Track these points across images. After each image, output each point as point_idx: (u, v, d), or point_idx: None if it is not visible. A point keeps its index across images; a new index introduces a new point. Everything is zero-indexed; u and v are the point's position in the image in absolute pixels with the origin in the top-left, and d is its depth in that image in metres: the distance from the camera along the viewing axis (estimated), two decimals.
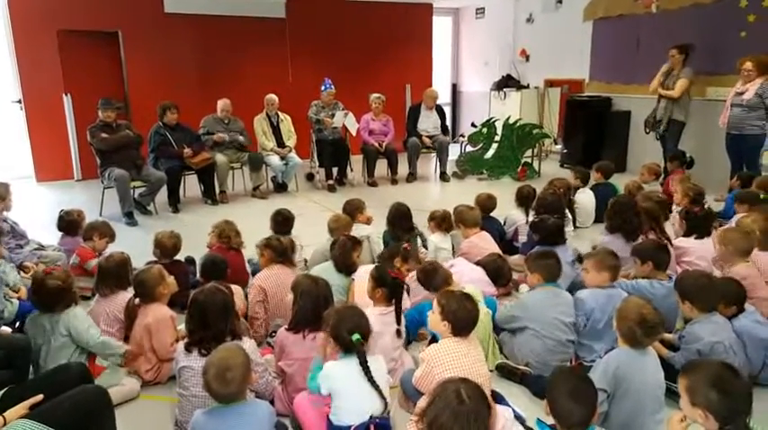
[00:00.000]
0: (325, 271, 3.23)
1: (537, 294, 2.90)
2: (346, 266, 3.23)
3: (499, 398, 2.39)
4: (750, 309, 2.72)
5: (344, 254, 3.25)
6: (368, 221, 4.29)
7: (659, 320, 2.20)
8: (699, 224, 3.62)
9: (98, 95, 6.02)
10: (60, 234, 4.25)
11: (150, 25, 7.96)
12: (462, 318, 2.26)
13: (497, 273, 3.43)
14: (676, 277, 2.77)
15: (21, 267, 3.56)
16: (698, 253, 3.44)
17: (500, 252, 3.83)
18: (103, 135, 5.68)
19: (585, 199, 5.18)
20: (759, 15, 6.07)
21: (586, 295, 2.85)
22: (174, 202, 6.20)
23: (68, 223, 4.18)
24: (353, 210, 4.17)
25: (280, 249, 3.32)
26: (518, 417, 2.33)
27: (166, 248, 3.50)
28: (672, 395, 2.15)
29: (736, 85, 5.63)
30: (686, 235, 3.68)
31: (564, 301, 2.85)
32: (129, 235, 5.05)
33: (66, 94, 7.51)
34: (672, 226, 3.91)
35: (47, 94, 7.42)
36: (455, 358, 2.21)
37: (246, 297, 3.33)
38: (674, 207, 4.41)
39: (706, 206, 4.03)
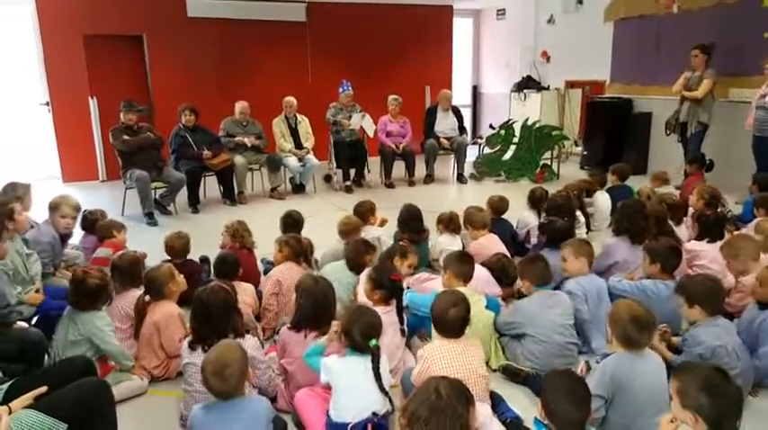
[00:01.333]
0: (336, 269, 3.33)
1: (530, 299, 2.91)
2: (358, 266, 3.28)
3: (498, 400, 2.41)
4: None
5: (358, 254, 3.32)
6: (381, 224, 4.31)
7: (651, 318, 2.21)
8: (711, 227, 3.56)
9: (123, 98, 6.19)
10: (82, 233, 4.39)
11: (174, 29, 8.15)
12: (444, 323, 2.31)
13: (502, 272, 3.43)
14: (679, 281, 2.74)
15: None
16: (710, 256, 3.38)
17: (507, 253, 3.81)
18: (125, 137, 5.85)
19: (602, 201, 5.12)
20: None
21: (573, 285, 2.95)
22: (194, 203, 6.33)
23: (92, 223, 4.31)
24: (365, 212, 4.21)
25: (297, 249, 3.44)
26: (516, 418, 2.33)
27: (174, 250, 3.59)
28: None
29: (762, 87, 5.49)
30: (698, 238, 3.62)
31: (560, 302, 2.86)
32: (149, 235, 5.17)
33: (91, 97, 7.75)
34: (686, 229, 3.84)
35: (73, 97, 7.66)
36: (450, 357, 2.24)
37: (259, 294, 3.40)
38: (690, 210, 4.33)
39: (719, 209, 3.95)
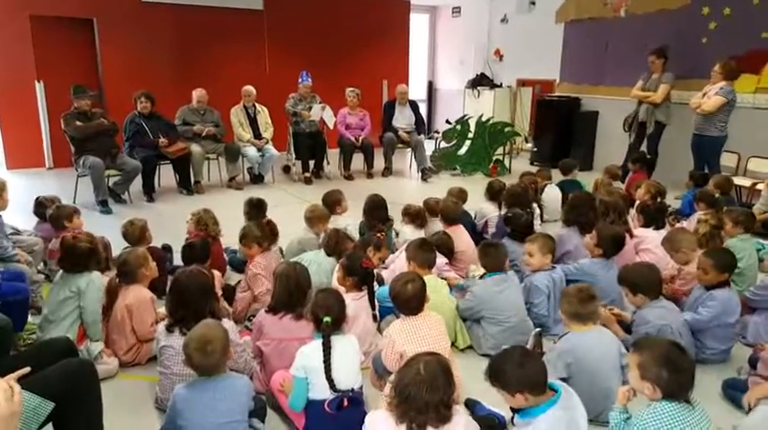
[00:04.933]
0: (317, 255, 3.45)
1: (485, 283, 3.10)
2: (338, 252, 3.35)
3: (472, 403, 2.52)
4: None
5: (338, 241, 3.41)
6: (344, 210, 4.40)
7: (591, 291, 2.45)
8: (654, 216, 3.94)
9: (72, 83, 5.97)
10: (36, 220, 4.25)
11: (126, 14, 7.88)
12: (402, 300, 2.45)
13: (443, 245, 3.60)
14: (620, 272, 2.97)
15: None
16: (655, 242, 3.69)
17: (472, 243, 3.99)
18: (78, 123, 5.65)
19: (552, 194, 5.40)
20: (719, 23, 6.38)
21: (541, 279, 3.16)
22: (149, 192, 6.21)
23: (45, 209, 4.16)
24: (332, 204, 4.27)
25: (256, 234, 3.41)
26: (490, 414, 2.42)
27: (129, 236, 3.52)
28: None
29: (705, 87, 5.88)
30: (644, 226, 3.96)
31: (512, 284, 3.08)
32: (103, 223, 5.04)
33: (38, 81, 7.39)
34: (631, 220, 4.15)
35: (18, 81, 7.29)
36: (412, 332, 2.40)
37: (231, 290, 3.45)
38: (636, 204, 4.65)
39: (658, 200, 4.30)
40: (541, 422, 1.84)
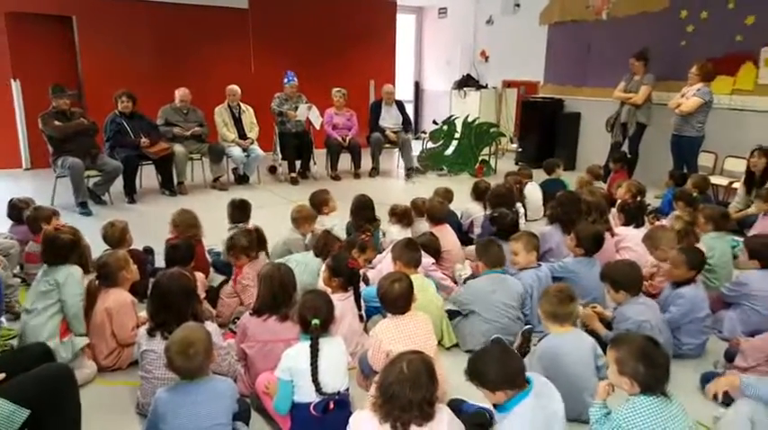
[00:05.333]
0: (305, 256, 3.44)
1: (482, 279, 3.12)
2: (325, 254, 3.31)
3: (458, 403, 2.51)
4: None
5: (327, 242, 3.38)
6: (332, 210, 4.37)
7: (570, 291, 2.47)
8: (634, 214, 4.02)
9: (49, 82, 5.87)
10: (10, 223, 4.16)
11: (107, 11, 7.75)
12: (390, 299, 2.45)
13: (430, 246, 3.61)
14: (603, 269, 3.01)
15: None
16: (635, 240, 3.76)
17: (458, 242, 4.00)
18: (56, 122, 5.55)
19: (533, 192, 5.46)
20: (696, 26, 6.49)
21: (525, 277, 3.17)
22: (131, 193, 6.12)
23: (20, 212, 4.08)
24: (319, 204, 4.24)
25: (243, 245, 3.28)
26: (480, 409, 2.41)
27: (113, 238, 3.46)
28: None
29: (683, 89, 5.97)
30: (625, 225, 4.03)
31: (509, 286, 3.08)
32: (82, 225, 4.89)
33: (14, 80, 7.25)
34: (612, 219, 4.21)
35: None
36: (399, 331, 2.39)
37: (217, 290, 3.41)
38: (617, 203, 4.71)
39: (638, 199, 4.38)
40: (516, 413, 1.88)
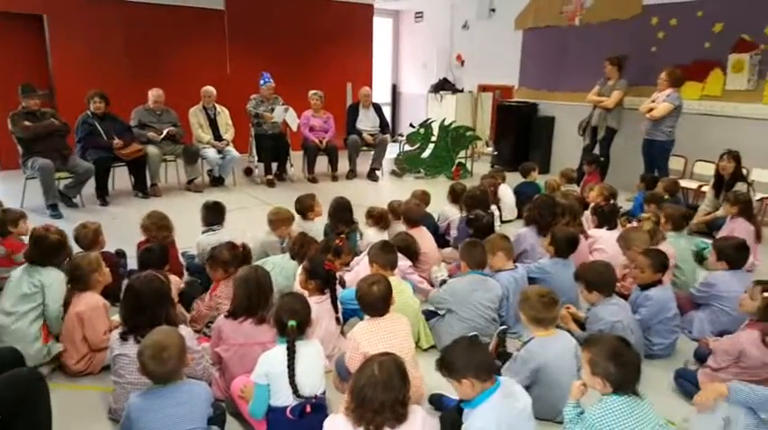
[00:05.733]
0: (282, 259, 3.42)
1: (463, 279, 3.15)
2: (302, 256, 3.29)
3: (437, 397, 2.55)
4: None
5: (304, 244, 3.36)
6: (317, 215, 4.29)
7: (555, 296, 2.50)
8: (607, 216, 4.10)
9: (19, 81, 5.71)
10: None
11: (79, 10, 7.59)
12: (368, 302, 2.46)
13: (408, 249, 3.62)
14: (577, 270, 3.07)
15: None
16: (608, 241, 3.85)
17: (435, 244, 4.02)
18: (26, 123, 5.42)
19: (506, 195, 5.54)
20: (667, 33, 6.66)
21: (502, 278, 3.21)
22: (103, 195, 6.02)
23: None
24: (305, 210, 4.17)
25: (223, 259, 3.09)
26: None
27: (86, 240, 3.37)
28: None
29: (653, 94, 6.11)
30: (598, 227, 4.11)
31: (489, 288, 3.11)
32: None
33: None
34: (585, 221, 4.29)
35: None
36: (378, 334, 2.40)
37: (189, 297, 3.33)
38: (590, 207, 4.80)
39: (611, 202, 4.47)
40: (483, 408, 1.92)
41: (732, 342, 2.60)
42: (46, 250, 2.72)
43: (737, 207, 4.31)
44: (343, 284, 3.33)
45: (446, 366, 1.99)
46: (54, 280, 2.67)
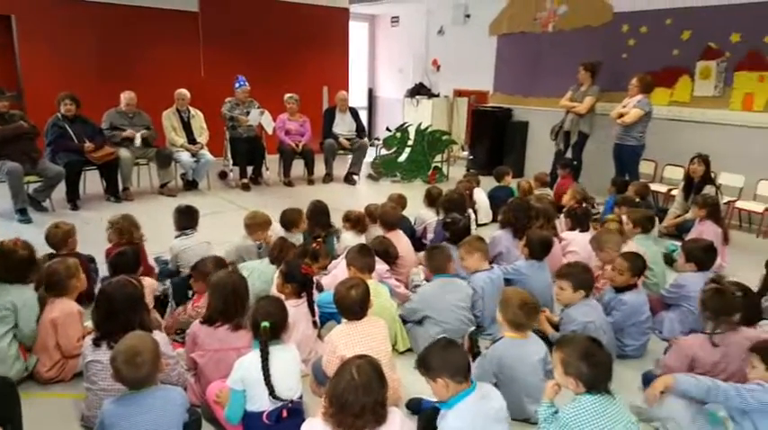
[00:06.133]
0: (260, 263, 3.40)
1: (432, 284, 3.19)
2: (280, 260, 3.23)
3: (416, 402, 2.56)
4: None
5: (283, 249, 3.34)
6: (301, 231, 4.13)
7: (536, 302, 2.54)
8: (580, 219, 4.20)
9: None
10: None
11: (49, 10, 7.43)
12: (346, 305, 2.47)
13: (385, 252, 3.64)
14: (561, 268, 3.10)
15: None
16: (581, 244, 3.93)
17: (411, 247, 4.04)
18: None
19: (480, 198, 5.61)
20: (637, 40, 6.84)
21: (476, 280, 3.26)
22: (73, 199, 5.89)
23: None
24: (290, 224, 3.96)
25: (206, 272, 2.95)
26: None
27: (55, 239, 3.32)
28: None
29: (624, 100, 6.25)
30: (571, 229, 4.20)
31: (458, 288, 3.16)
32: (22, 233, 4.65)
33: None
34: (559, 224, 4.37)
35: None
36: (355, 337, 2.41)
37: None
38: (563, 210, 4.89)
39: (584, 205, 4.56)
40: (459, 408, 1.95)
41: (691, 343, 2.63)
42: (15, 264, 2.59)
43: (706, 210, 4.43)
44: (320, 288, 3.33)
45: (423, 364, 2.04)
46: (26, 300, 2.56)
